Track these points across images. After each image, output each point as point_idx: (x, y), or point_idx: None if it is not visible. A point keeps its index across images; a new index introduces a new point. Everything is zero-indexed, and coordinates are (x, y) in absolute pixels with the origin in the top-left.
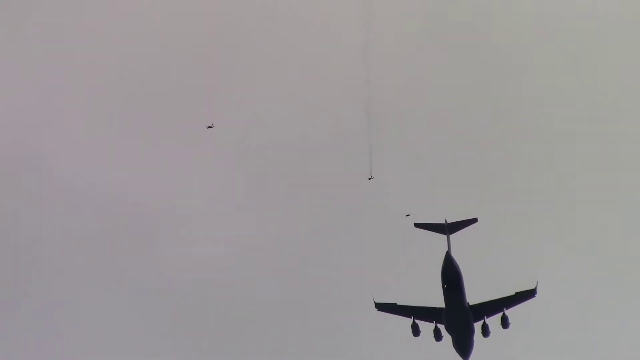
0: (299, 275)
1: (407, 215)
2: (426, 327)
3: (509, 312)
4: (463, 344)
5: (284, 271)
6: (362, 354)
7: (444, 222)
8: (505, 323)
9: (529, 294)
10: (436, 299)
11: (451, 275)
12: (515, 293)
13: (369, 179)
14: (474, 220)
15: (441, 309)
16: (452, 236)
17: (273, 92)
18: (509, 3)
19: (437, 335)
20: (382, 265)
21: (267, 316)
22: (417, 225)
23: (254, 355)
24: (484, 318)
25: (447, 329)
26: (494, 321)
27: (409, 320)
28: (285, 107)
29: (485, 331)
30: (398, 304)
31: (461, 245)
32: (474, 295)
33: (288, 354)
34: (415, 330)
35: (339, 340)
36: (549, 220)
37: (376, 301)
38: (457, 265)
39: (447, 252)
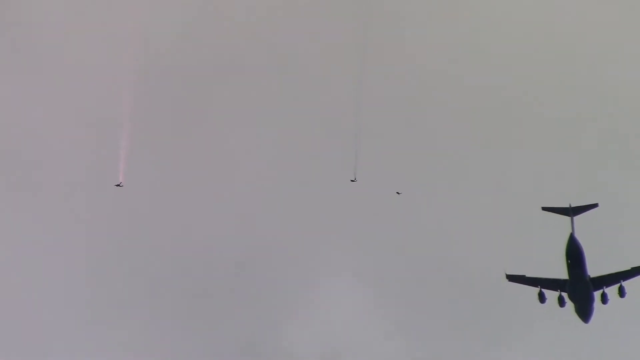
0: (432, 246)
1: (397, 193)
2: (551, 295)
3: (625, 284)
4: (584, 311)
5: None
6: (501, 318)
7: (568, 206)
8: (622, 293)
9: None
10: (560, 271)
11: (574, 254)
12: (632, 268)
13: (352, 180)
14: (595, 205)
15: (565, 280)
16: (575, 218)
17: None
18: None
19: (561, 302)
20: (515, 243)
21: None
22: (544, 208)
23: None
24: (603, 288)
25: (570, 297)
26: (612, 291)
27: (537, 289)
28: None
29: (604, 299)
30: (527, 275)
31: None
32: (594, 268)
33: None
34: (542, 298)
35: (478, 306)
36: None
37: (507, 273)
38: (580, 245)
39: (571, 233)
